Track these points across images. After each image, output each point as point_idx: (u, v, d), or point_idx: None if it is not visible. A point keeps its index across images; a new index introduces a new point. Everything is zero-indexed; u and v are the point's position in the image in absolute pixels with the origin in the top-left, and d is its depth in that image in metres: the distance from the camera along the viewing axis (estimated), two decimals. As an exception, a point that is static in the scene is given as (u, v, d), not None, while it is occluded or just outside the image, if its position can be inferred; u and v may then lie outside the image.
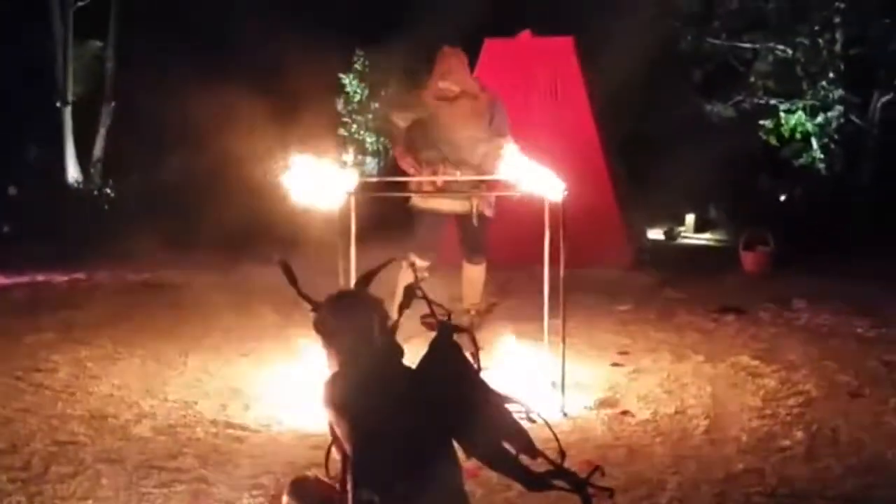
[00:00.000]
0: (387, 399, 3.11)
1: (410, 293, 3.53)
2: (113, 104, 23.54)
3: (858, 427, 6.08)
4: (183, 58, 19.59)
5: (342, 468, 3.47)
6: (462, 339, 3.48)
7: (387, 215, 9.59)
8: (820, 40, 20.29)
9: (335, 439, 3.46)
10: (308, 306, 3.56)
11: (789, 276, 13.05)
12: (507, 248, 9.94)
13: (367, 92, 23.08)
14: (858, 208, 18.94)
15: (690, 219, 24.17)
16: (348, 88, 23.17)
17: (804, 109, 20.26)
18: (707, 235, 23.17)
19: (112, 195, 20.45)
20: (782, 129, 20.34)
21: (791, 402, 6.69)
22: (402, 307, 3.57)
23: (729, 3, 21.08)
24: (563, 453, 3.51)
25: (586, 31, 16.25)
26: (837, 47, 20.34)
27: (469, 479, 3.86)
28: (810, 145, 20.29)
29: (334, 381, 3.31)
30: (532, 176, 6.58)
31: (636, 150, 19.42)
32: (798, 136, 20.37)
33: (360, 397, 3.15)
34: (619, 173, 15.58)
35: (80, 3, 22.94)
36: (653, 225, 21.50)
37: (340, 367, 3.25)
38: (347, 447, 3.24)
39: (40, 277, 13.37)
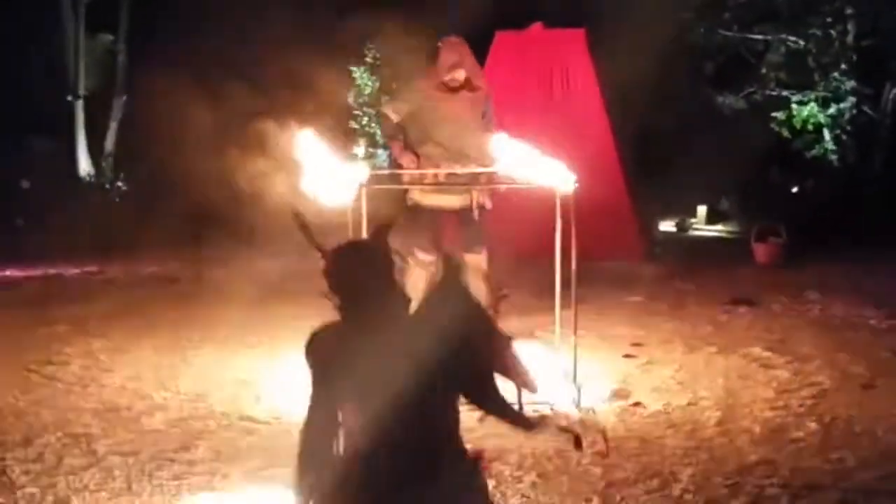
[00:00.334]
0: (378, 351, 3.08)
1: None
2: (124, 97, 23.56)
3: (871, 418, 6.06)
4: (195, 50, 19.58)
5: None
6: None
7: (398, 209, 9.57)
8: (832, 31, 20.21)
9: None
10: (319, 254, 3.55)
11: (801, 267, 13.01)
12: (517, 240, 9.92)
13: (377, 85, 23.05)
14: (870, 200, 18.85)
15: (702, 210, 24.11)
16: (359, 81, 23.15)
17: (816, 101, 20.18)
18: (719, 227, 23.11)
19: (124, 188, 20.48)
20: (794, 120, 20.26)
21: (804, 393, 6.68)
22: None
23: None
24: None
25: (597, 23, 16.22)
26: (850, 38, 20.25)
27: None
28: (822, 137, 20.21)
29: (323, 331, 3.30)
30: (540, 168, 6.55)
31: (648, 142, 19.37)
32: (810, 127, 20.28)
33: (346, 349, 3.14)
34: (631, 165, 15.54)
35: (92, -3, 22.99)
36: (664, 217, 21.47)
37: (340, 315, 3.23)
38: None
39: (52, 271, 13.41)
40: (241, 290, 10.43)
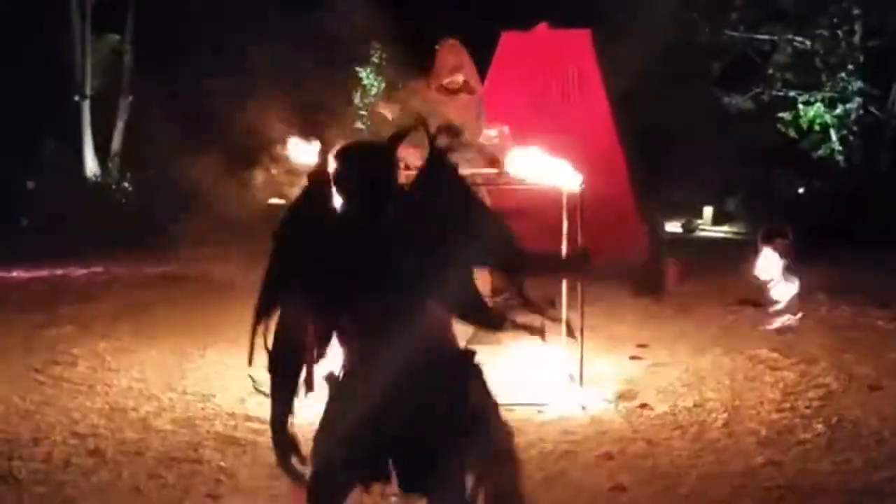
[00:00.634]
0: (386, 238, 3.11)
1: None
2: (130, 98, 23.59)
3: (878, 419, 6.05)
4: (201, 50, 19.59)
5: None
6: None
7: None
8: (839, 32, 20.19)
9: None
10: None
11: (808, 268, 12.98)
12: (524, 240, 9.89)
13: (383, 85, 23.06)
14: (877, 200, 18.84)
15: (709, 211, 24.11)
16: (365, 82, 23.16)
17: (823, 101, 20.17)
18: (725, 228, 23.12)
19: (130, 189, 20.51)
20: (800, 121, 20.26)
21: (810, 394, 6.67)
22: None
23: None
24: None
25: (604, 24, 16.21)
26: (856, 39, 20.25)
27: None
28: (829, 137, 20.20)
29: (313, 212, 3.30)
30: (546, 168, 6.56)
31: (654, 142, 19.37)
32: (816, 128, 20.28)
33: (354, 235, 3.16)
34: (637, 165, 15.53)
35: (98, -2, 23.02)
36: (671, 217, 21.46)
37: (346, 205, 3.23)
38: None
39: (59, 271, 13.44)
40: (249, 289, 10.41)
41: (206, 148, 16.98)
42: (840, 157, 20.09)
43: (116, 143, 23.29)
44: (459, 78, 8.05)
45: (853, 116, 20.18)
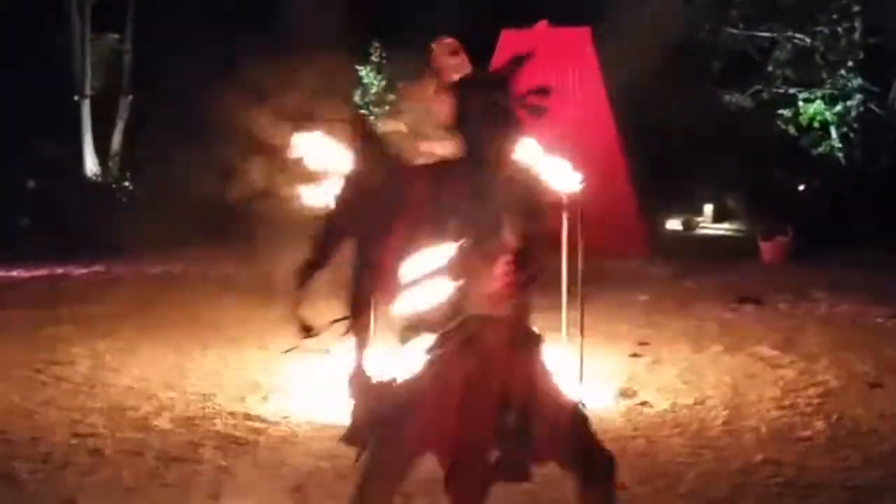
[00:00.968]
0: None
1: None
2: (130, 97, 23.58)
3: (878, 417, 6.05)
4: (201, 50, 19.57)
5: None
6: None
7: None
8: (839, 29, 20.19)
9: None
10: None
11: (808, 266, 13.02)
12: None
13: (384, 84, 23.06)
14: (877, 197, 18.82)
15: (709, 209, 24.09)
16: (365, 80, 23.17)
17: (823, 98, 20.17)
18: (725, 226, 23.09)
19: (130, 188, 20.50)
20: (801, 118, 20.25)
21: (810, 392, 6.67)
22: None
23: (745, -9, 21.01)
24: None
25: (603, 21, 16.21)
26: (857, 36, 20.23)
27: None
28: (829, 134, 20.19)
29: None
30: (546, 167, 6.53)
31: (654, 140, 19.35)
32: (816, 125, 20.27)
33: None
34: (637, 163, 15.54)
35: (97, -3, 23.00)
36: (671, 215, 21.44)
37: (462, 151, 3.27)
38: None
39: (59, 270, 13.44)
40: (249, 289, 10.43)
41: (206, 147, 16.97)
42: (840, 155, 20.08)
43: (116, 143, 23.27)
44: (456, 77, 8.03)
45: (853, 114, 20.17)
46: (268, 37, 19.01)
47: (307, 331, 3.60)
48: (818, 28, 20.42)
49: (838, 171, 20.06)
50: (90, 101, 22.87)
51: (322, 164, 6.50)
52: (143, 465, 5.26)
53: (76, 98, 22.67)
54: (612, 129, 14.81)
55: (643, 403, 6.44)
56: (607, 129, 14.72)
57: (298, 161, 6.55)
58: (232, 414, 6.29)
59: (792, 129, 20.54)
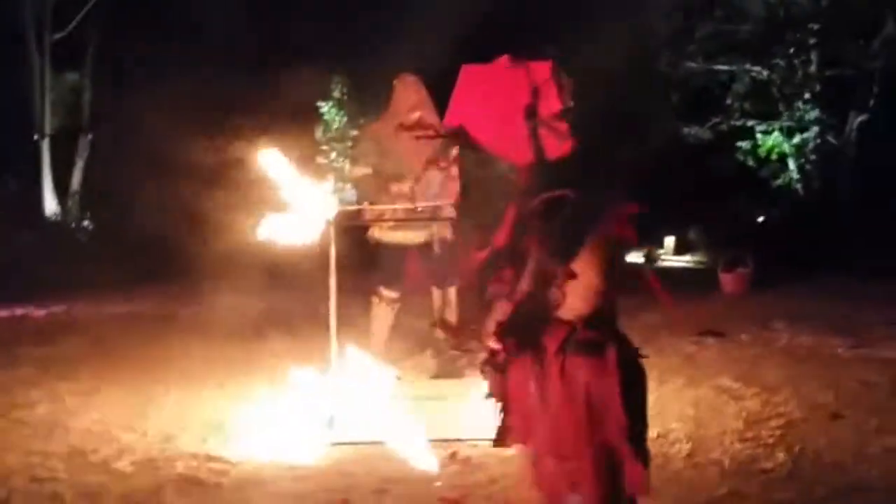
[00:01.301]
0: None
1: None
2: (90, 136, 23.48)
3: (840, 448, 6.09)
4: (162, 89, 19.54)
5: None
6: None
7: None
8: (795, 62, 20.47)
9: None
10: None
11: (769, 297, 13.11)
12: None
13: (345, 119, 23.12)
14: (836, 228, 19.04)
15: (670, 241, 24.27)
16: (326, 116, 23.21)
17: (781, 130, 20.42)
18: (687, 257, 23.27)
19: (90, 228, 20.37)
20: (759, 150, 20.49)
21: (773, 423, 6.70)
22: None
23: (704, 26, 21.25)
24: None
25: (565, 55, 16.33)
26: (813, 68, 20.53)
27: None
28: (787, 166, 20.43)
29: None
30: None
31: (616, 173, 19.47)
32: (774, 157, 20.51)
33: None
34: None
35: (57, 36, 22.90)
36: (633, 248, 21.56)
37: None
38: None
39: (19, 311, 13.29)
40: (211, 327, 10.38)
41: (168, 184, 16.93)
42: (798, 186, 20.31)
43: (76, 182, 23.14)
44: (416, 115, 8.08)
45: (811, 145, 20.42)
46: (228, 72, 19.08)
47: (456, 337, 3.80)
48: (775, 61, 20.70)
49: (797, 202, 20.28)
50: (50, 140, 22.75)
51: (286, 180, 6.55)
52: (104, 509, 5.20)
53: (36, 137, 22.54)
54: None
55: (607, 437, 6.43)
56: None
57: (265, 181, 6.57)
58: (194, 455, 6.23)
59: (751, 161, 20.77)
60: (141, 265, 14.51)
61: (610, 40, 18.94)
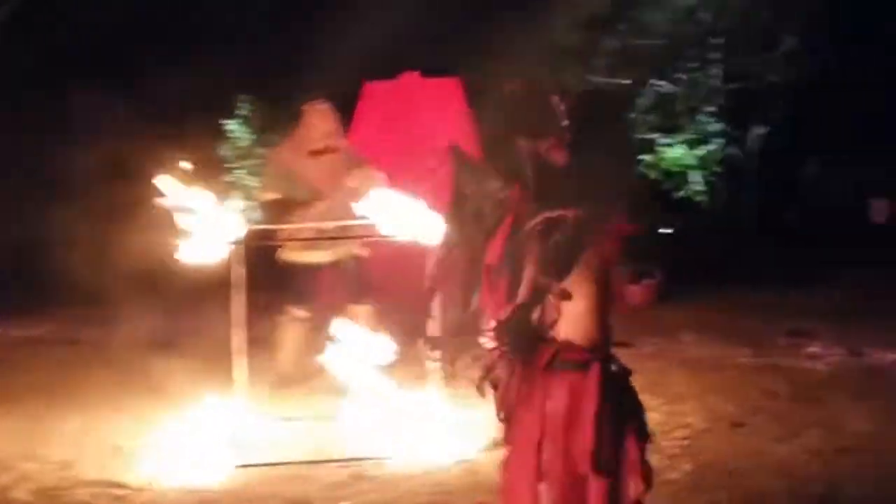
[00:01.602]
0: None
1: None
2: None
3: (743, 457, 6.18)
4: (55, 102, 19.13)
5: None
6: None
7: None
8: (698, 75, 20.82)
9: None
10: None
11: (675, 308, 13.26)
12: (396, 288, 9.79)
13: (254, 137, 22.89)
14: (740, 240, 19.38)
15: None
16: (233, 134, 22.96)
17: (685, 143, 20.73)
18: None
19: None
20: (662, 163, 20.77)
21: (677, 434, 6.78)
22: None
23: (608, 40, 21.47)
24: None
25: (470, 71, 16.34)
26: (717, 82, 20.89)
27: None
28: (686, 179, 20.76)
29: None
30: (411, 220, 6.53)
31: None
32: (676, 169, 20.82)
33: None
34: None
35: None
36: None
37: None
38: None
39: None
40: (112, 350, 10.16)
41: (64, 204, 16.54)
42: (702, 198, 20.63)
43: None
44: (325, 143, 8.14)
45: (715, 157, 20.75)
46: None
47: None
48: (678, 75, 21.02)
49: (703, 214, 20.58)
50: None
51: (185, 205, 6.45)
52: (0, 541, 5.04)
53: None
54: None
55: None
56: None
57: (165, 207, 6.48)
58: (94, 482, 6.09)
59: (654, 174, 21.04)
60: (35, 289, 14.13)
61: (513, 55, 19.09)
